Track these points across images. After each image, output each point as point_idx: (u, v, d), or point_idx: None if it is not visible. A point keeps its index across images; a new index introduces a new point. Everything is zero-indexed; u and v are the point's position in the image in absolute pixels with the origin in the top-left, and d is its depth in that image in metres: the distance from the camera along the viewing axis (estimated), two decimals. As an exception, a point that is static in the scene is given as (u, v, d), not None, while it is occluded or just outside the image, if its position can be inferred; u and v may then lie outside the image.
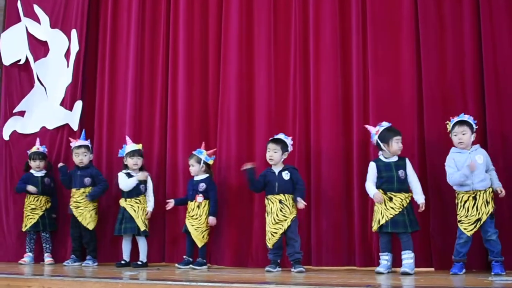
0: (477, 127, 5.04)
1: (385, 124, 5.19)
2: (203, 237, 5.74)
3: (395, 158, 5.11)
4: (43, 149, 6.62)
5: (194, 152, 5.90)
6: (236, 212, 6.00)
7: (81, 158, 6.27)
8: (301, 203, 5.29)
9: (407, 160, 5.11)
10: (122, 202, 6.03)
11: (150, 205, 6.06)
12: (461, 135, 4.96)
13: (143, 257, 5.96)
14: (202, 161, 5.82)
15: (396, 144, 5.08)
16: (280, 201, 5.33)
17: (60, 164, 6.42)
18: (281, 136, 5.52)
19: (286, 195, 5.35)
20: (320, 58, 5.94)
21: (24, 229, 6.47)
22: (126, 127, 6.55)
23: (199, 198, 5.77)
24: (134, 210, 5.96)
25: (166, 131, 6.47)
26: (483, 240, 4.86)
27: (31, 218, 6.44)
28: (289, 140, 5.51)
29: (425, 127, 5.46)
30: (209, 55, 6.45)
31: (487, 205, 4.83)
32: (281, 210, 5.31)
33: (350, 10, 5.92)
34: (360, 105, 5.73)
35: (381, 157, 5.14)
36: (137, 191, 6.02)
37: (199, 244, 5.73)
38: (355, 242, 5.58)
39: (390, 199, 5.03)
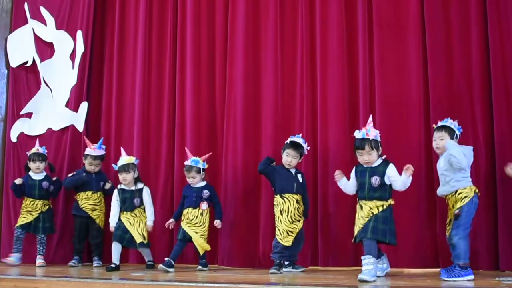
0: (461, 131, 4.84)
1: (356, 133, 4.89)
2: (206, 243, 5.68)
3: (375, 164, 4.74)
4: (43, 150, 6.53)
5: (190, 164, 5.73)
6: (242, 213, 6.00)
7: (93, 168, 6.28)
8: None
9: (389, 166, 4.71)
10: (121, 215, 5.91)
11: (149, 219, 5.89)
12: (439, 140, 4.76)
13: (150, 258, 5.96)
14: (201, 170, 5.76)
15: (360, 157, 4.80)
16: (297, 201, 5.33)
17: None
18: (300, 141, 5.44)
19: (300, 195, 5.37)
20: (327, 60, 5.93)
21: (15, 226, 6.42)
22: (134, 128, 6.57)
23: (204, 205, 5.68)
24: (130, 223, 5.84)
25: (174, 133, 6.47)
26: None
27: (24, 218, 6.37)
28: (306, 145, 5.48)
29: (431, 129, 5.42)
30: (216, 56, 6.45)
31: (452, 208, 4.68)
32: (298, 210, 5.31)
33: (356, 12, 5.92)
34: (367, 107, 5.72)
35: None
36: (131, 206, 5.89)
37: (202, 251, 5.64)
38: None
39: (361, 207, 4.72)
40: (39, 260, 6.28)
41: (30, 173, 6.50)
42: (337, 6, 5.97)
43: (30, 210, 6.41)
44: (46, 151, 6.57)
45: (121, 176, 5.94)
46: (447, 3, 5.60)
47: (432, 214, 5.35)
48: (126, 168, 5.91)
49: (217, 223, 5.68)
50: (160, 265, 5.47)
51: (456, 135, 4.81)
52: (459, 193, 4.65)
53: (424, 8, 5.63)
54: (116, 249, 5.86)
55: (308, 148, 5.53)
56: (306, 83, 5.99)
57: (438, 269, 5.16)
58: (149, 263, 5.93)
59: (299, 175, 5.44)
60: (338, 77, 5.87)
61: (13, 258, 6.30)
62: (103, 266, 6.05)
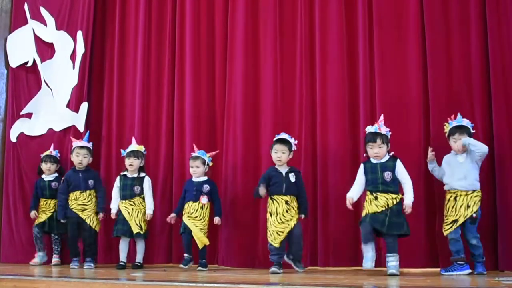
0: (474, 131, 5.05)
1: (368, 128, 5.13)
2: (205, 237, 5.71)
3: (384, 159, 4.99)
4: (56, 153, 6.68)
5: (197, 154, 5.84)
6: (242, 212, 6.01)
7: (80, 159, 6.20)
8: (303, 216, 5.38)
9: (397, 161, 4.96)
10: (120, 204, 6.03)
11: (148, 207, 5.99)
12: (460, 142, 4.96)
13: (139, 258, 5.94)
14: (206, 163, 5.80)
15: (370, 149, 5.01)
16: (286, 202, 5.31)
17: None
18: (285, 136, 5.48)
19: (291, 196, 5.33)
20: (327, 60, 5.94)
21: (34, 226, 6.55)
22: (135, 128, 6.59)
23: (204, 199, 5.71)
24: (128, 212, 5.93)
25: (173, 132, 6.48)
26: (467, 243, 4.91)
27: (39, 217, 6.53)
28: (293, 140, 5.49)
29: (431, 129, 5.45)
30: (215, 55, 6.47)
31: (467, 209, 4.85)
32: (287, 211, 5.29)
33: (356, 11, 5.92)
34: (367, 107, 5.72)
35: (371, 159, 5.04)
36: (130, 193, 5.98)
37: (201, 245, 5.68)
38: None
39: (376, 198, 4.90)
40: (54, 259, 6.47)
41: (43, 175, 6.64)
42: (337, 6, 5.97)
43: (44, 210, 6.56)
44: (59, 154, 6.69)
45: (128, 161, 6.02)
46: (447, 3, 5.60)
47: (432, 214, 5.35)
48: (135, 153, 6.04)
49: (217, 220, 5.72)
50: (181, 265, 5.64)
51: (472, 134, 5.02)
52: (476, 195, 4.88)
53: (423, 8, 5.63)
54: (123, 246, 5.96)
55: (296, 142, 5.51)
56: (305, 82, 5.99)
57: (438, 269, 5.20)
58: (137, 263, 5.92)
59: (291, 175, 5.39)
60: (338, 76, 5.88)
61: (37, 259, 6.49)
62: (96, 268, 6.00)
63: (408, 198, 4.86)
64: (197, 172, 5.80)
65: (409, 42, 5.68)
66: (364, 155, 5.12)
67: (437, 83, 5.50)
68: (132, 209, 5.95)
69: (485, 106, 5.38)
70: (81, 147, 6.25)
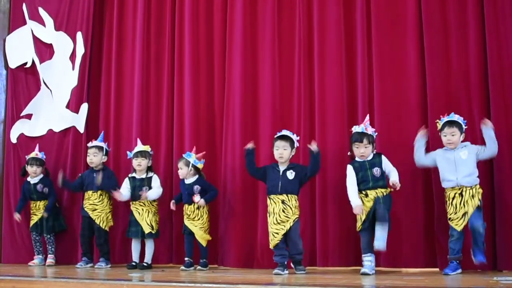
0: (466, 127, 5.04)
1: (355, 128, 5.22)
2: (207, 234, 5.78)
3: (369, 157, 5.12)
4: (42, 155, 6.63)
5: (183, 155, 5.89)
6: (241, 212, 6.00)
7: (90, 158, 6.26)
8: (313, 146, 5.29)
9: (382, 156, 5.12)
10: (131, 205, 6.06)
11: (150, 192, 5.96)
12: (450, 136, 4.98)
13: (148, 258, 5.96)
14: (190, 164, 5.78)
15: (356, 149, 5.12)
16: (283, 202, 5.23)
17: (60, 177, 6.36)
18: (287, 132, 5.42)
19: (289, 195, 5.24)
20: (325, 60, 5.92)
21: (29, 230, 6.60)
22: (133, 129, 6.58)
23: (196, 198, 5.71)
24: (139, 213, 5.95)
25: (173, 133, 6.49)
26: (471, 232, 4.84)
27: (31, 220, 6.56)
28: (295, 137, 5.43)
29: (429, 129, 5.42)
30: (214, 56, 6.47)
31: (473, 199, 4.85)
32: (283, 211, 5.21)
33: (355, 13, 5.90)
34: (365, 107, 5.70)
35: (357, 158, 5.15)
36: (139, 195, 5.98)
37: (204, 243, 5.74)
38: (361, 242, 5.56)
39: (366, 195, 5.04)
40: (48, 260, 6.48)
41: (28, 178, 6.60)
42: (335, 7, 5.96)
43: (34, 212, 6.57)
44: (44, 156, 6.64)
45: (136, 161, 6.04)
46: (445, 4, 5.58)
47: (430, 214, 5.34)
48: (143, 153, 6.05)
49: (200, 200, 5.71)
50: (182, 267, 5.72)
51: (463, 129, 5.02)
52: (479, 188, 4.90)
53: (421, 9, 5.62)
54: (135, 247, 6.01)
55: (298, 138, 5.47)
56: (304, 83, 5.98)
57: (436, 269, 5.20)
58: (144, 263, 5.93)
59: (288, 172, 5.29)
60: (336, 77, 5.87)
61: (36, 260, 6.54)
62: (111, 267, 6.07)
63: (394, 176, 5.03)
64: (180, 173, 5.84)
65: (407, 43, 5.67)
66: (348, 153, 5.22)
67: (435, 84, 5.48)
68: (143, 209, 5.98)
69: (483, 107, 5.35)
70: (91, 147, 6.31)
